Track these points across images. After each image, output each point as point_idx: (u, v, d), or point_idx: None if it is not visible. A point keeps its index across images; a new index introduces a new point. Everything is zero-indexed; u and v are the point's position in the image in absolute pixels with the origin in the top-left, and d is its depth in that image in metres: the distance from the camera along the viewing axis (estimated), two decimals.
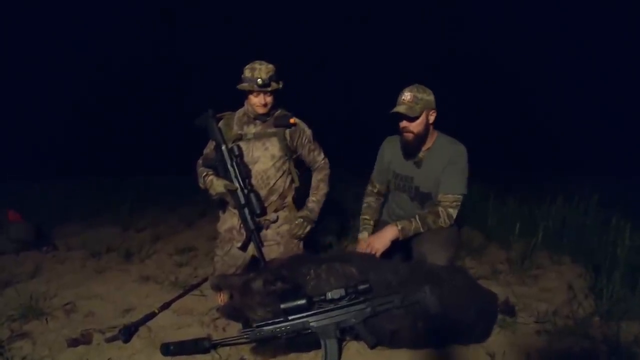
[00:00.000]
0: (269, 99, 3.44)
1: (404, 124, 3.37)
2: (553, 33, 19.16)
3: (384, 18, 21.94)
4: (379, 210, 3.95)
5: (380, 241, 3.31)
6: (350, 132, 16.45)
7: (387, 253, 3.42)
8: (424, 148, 3.50)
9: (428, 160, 3.49)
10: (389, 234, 3.32)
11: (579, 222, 4.96)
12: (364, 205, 3.95)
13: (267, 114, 3.52)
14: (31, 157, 13.27)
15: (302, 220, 3.66)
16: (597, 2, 17.97)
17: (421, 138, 3.43)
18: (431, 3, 20.58)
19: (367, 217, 3.89)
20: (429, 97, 3.36)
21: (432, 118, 3.42)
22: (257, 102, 3.41)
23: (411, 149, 3.49)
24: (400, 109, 3.29)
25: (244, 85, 3.40)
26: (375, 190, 3.93)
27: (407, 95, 3.32)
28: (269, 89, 3.39)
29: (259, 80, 3.33)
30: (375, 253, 3.28)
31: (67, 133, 15.96)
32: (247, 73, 3.41)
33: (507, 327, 3.03)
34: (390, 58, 20.48)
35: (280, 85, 3.48)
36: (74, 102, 17.04)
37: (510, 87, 18.53)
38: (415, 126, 3.35)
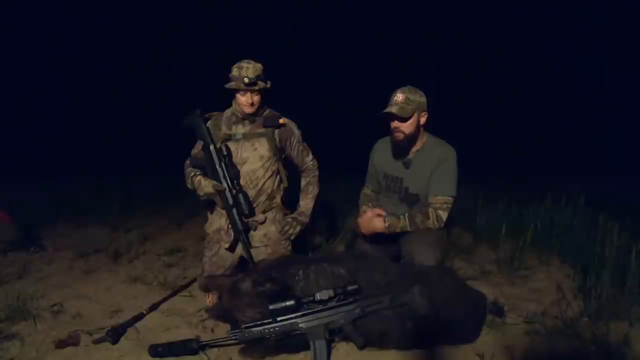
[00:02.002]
0: (255, 98, 3.43)
1: (395, 124, 3.39)
2: (549, 35, 19.24)
3: (381, 16, 21.94)
4: (376, 200, 3.97)
5: (366, 227, 3.46)
6: (341, 132, 16.45)
7: (378, 242, 3.50)
8: (413, 149, 3.52)
9: (417, 161, 3.51)
10: (375, 224, 3.40)
11: (567, 222, 4.98)
12: (361, 195, 4.04)
13: (254, 114, 3.52)
14: (20, 158, 13.20)
15: (292, 220, 3.66)
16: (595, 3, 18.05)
17: (411, 139, 3.44)
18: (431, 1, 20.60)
19: (365, 199, 3.97)
20: (420, 98, 3.37)
21: (423, 120, 3.44)
22: (244, 101, 3.40)
23: (401, 149, 3.52)
24: (392, 109, 3.31)
25: (231, 84, 3.40)
26: (370, 189, 3.98)
27: (399, 96, 3.34)
28: (256, 87, 3.38)
29: (245, 79, 3.33)
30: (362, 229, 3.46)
31: (56, 134, 15.90)
32: (234, 72, 3.41)
33: (496, 327, 3.03)
34: (385, 57, 20.50)
35: (268, 85, 3.48)
36: (63, 104, 16.98)
37: (504, 88, 18.59)
38: (406, 127, 3.36)
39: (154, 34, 19.43)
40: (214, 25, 20.33)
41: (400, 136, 3.41)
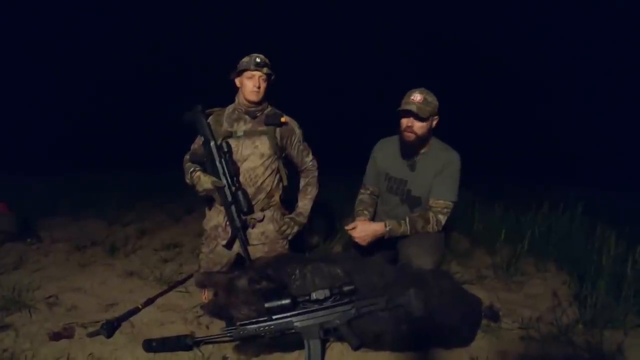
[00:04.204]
0: (263, 84, 3.45)
1: (409, 122, 3.38)
2: (554, 38, 19.26)
3: (380, 16, 21.96)
4: (373, 205, 3.94)
5: (364, 231, 3.34)
6: (341, 131, 16.47)
7: (372, 251, 3.45)
8: (419, 152, 3.51)
9: (422, 164, 3.51)
10: (376, 227, 3.36)
11: (564, 230, 4.98)
12: (357, 201, 3.96)
13: (258, 104, 3.52)
14: (19, 151, 13.21)
15: (289, 220, 3.66)
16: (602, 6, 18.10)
17: (422, 140, 3.45)
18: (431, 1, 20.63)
19: (360, 207, 3.88)
20: (435, 102, 3.39)
21: (434, 123, 3.46)
22: (252, 85, 3.40)
23: (410, 150, 3.51)
24: (412, 107, 3.30)
25: (240, 68, 3.42)
26: (368, 192, 3.94)
27: (417, 96, 3.34)
28: (265, 70, 3.40)
29: (257, 58, 3.38)
30: (357, 240, 3.35)
31: (56, 128, 15.91)
32: (244, 59, 3.44)
33: (491, 332, 3.03)
34: (385, 56, 20.53)
35: (273, 77, 3.52)
36: (63, 98, 16.99)
37: (503, 89, 18.62)
38: (420, 128, 3.37)
39: (156, 30, 19.47)
40: (217, 22, 20.36)
41: (412, 136, 3.40)
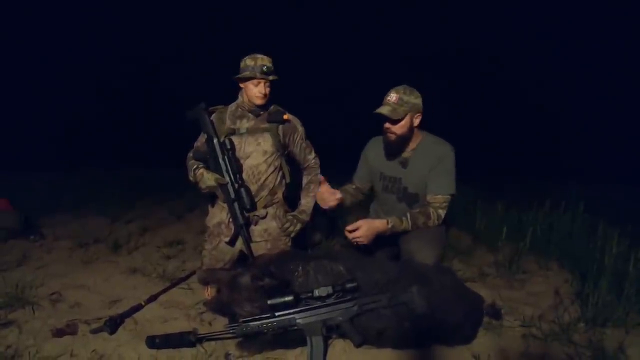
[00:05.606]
0: (269, 89, 3.46)
1: (386, 125, 3.37)
2: (556, 38, 19.25)
3: (381, 16, 21.94)
4: (355, 196, 3.91)
5: (368, 229, 3.27)
6: (342, 130, 16.46)
7: (372, 250, 3.46)
8: (409, 148, 3.49)
9: (414, 160, 3.48)
10: (378, 224, 3.30)
11: (566, 228, 4.97)
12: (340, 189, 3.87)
13: (264, 106, 3.54)
14: (22, 148, 13.23)
15: (292, 217, 3.67)
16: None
17: (404, 140, 3.42)
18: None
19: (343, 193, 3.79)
20: (415, 100, 3.33)
21: (416, 121, 3.40)
22: (257, 91, 3.41)
23: (394, 149, 3.50)
24: (383, 110, 3.28)
25: (246, 74, 3.39)
26: (353, 187, 3.92)
27: (392, 96, 3.31)
28: (270, 77, 3.41)
29: (264, 67, 3.37)
30: (360, 238, 3.28)
31: (57, 126, 15.93)
32: (248, 62, 3.42)
33: (492, 329, 3.04)
34: (385, 54, 20.52)
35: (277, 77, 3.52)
36: (64, 96, 17.01)
37: (504, 88, 18.60)
38: (398, 128, 3.34)
39: (157, 29, 19.49)
40: (217, 22, 20.38)
41: (392, 137, 3.39)
